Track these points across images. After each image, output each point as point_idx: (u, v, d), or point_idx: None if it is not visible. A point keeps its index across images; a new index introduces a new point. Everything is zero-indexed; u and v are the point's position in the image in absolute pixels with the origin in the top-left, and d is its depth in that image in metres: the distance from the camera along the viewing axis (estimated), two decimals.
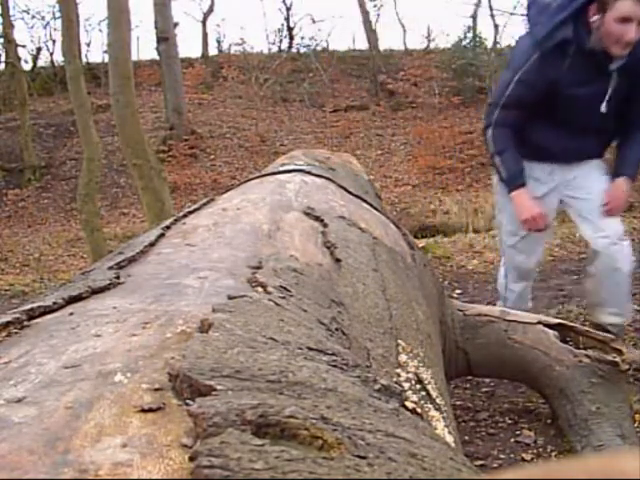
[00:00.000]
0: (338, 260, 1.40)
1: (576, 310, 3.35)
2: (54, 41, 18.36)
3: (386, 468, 0.45)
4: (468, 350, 2.30)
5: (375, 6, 21.02)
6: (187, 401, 0.55)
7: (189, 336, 0.73)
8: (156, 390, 0.58)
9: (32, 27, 31.39)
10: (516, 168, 2.54)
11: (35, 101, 15.86)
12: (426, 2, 36.61)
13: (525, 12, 2.59)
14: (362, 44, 20.09)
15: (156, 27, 13.39)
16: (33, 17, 19.57)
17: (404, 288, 1.57)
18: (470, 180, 12.63)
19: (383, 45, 19.11)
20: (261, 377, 0.59)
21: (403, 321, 1.33)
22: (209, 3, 20.12)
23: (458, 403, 2.43)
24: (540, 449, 2.10)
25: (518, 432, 2.21)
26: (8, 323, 0.81)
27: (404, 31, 28.31)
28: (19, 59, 14.57)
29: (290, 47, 19.85)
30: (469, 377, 2.56)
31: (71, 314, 0.86)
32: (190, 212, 1.76)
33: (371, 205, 2.23)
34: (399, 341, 1.22)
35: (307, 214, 1.70)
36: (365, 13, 17.76)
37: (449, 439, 0.99)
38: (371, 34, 17.68)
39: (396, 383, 0.99)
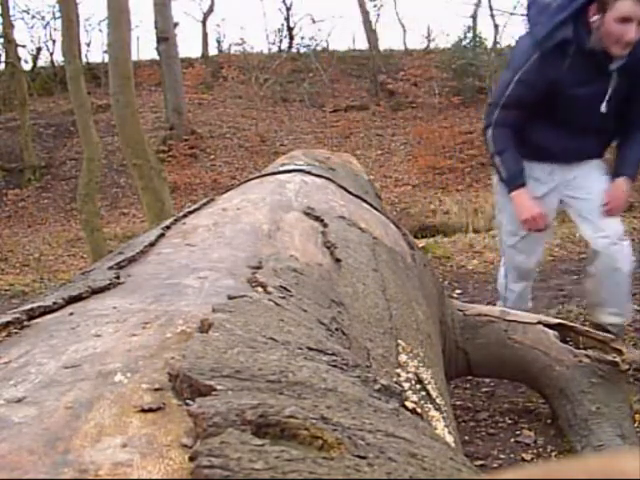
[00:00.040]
0: (338, 260, 1.40)
1: (576, 310, 3.35)
2: (54, 41, 18.38)
3: (386, 468, 0.45)
4: (468, 350, 2.30)
5: (375, 6, 21.04)
6: (187, 401, 0.55)
7: (189, 336, 0.73)
8: (156, 390, 0.58)
9: (32, 27, 31.44)
10: (516, 168, 2.54)
11: (35, 101, 15.86)
12: (426, 2, 36.63)
13: (525, 12, 2.59)
14: (362, 44, 20.11)
15: (156, 27, 13.39)
16: (33, 17, 19.60)
17: (404, 288, 1.57)
18: (470, 180, 12.63)
19: (383, 45, 19.14)
20: (261, 377, 0.59)
21: (403, 321, 1.33)
22: (209, 3, 20.13)
23: (458, 403, 2.43)
24: (540, 449, 2.10)
25: (518, 432, 2.21)
26: (8, 323, 0.81)
27: (404, 31, 28.34)
28: (19, 59, 14.57)
29: (290, 47, 19.86)
30: (469, 377, 2.56)
31: (71, 314, 0.86)
32: (190, 212, 1.76)
33: (371, 205, 2.23)
34: (399, 341, 1.22)
35: (307, 214, 1.70)
36: (365, 13, 17.76)
37: (449, 439, 0.99)
38: (371, 34, 17.68)
39: (396, 383, 0.99)
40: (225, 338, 0.70)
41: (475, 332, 2.31)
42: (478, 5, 18.33)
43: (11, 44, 14.00)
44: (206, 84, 17.18)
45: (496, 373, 2.40)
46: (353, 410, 0.56)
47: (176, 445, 0.49)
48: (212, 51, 19.80)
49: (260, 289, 1.02)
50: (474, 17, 18.37)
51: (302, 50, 19.29)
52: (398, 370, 1.11)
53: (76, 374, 0.62)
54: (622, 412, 2.01)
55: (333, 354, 0.75)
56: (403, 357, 1.17)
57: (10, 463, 0.45)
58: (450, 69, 15.97)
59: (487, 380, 2.59)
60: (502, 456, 2.07)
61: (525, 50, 2.42)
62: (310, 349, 0.74)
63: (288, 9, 20.21)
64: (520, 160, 2.54)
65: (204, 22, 19.61)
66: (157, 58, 14.79)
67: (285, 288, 1.04)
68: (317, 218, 1.68)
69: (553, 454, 2.06)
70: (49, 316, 0.87)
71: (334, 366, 0.70)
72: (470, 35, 16.93)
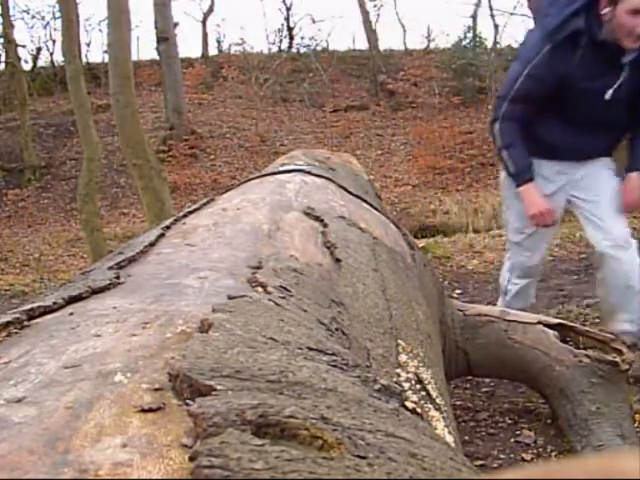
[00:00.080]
0: (338, 260, 1.40)
1: (576, 310, 3.35)
2: (54, 41, 18.39)
3: (386, 468, 0.45)
4: (468, 350, 2.30)
5: (375, 6, 21.05)
6: (187, 401, 0.55)
7: (189, 336, 0.73)
8: (156, 390, 0.58)
9: (32, 27, 31.46)
10: (524, 162, 2.50)
11: (35, 101, 15.86)
12: (426, 2, 36.67)
13: (528, 10, 2.57)
14: (362, 44, 20.13)
15: (156, 27, 13.40)
16: (33, 17, 19.62)
17: (404, 288, 1.57)
18: (470, 180, 12.64)
19: (383, 45, 19.16)
20: (261, 377, 0.59)
21: (403, 321, 1.33)
22: (209, 3, 20.14)
23: (458, 403, 2.43)
24: (540, 449, 2.10)
25: (518, 432, 2.21)
26: (8, 323, 0.81)
27: (404, 31, 28.38)
28: (19, 59, 14.58)
29: (290, 47, 19.86)
30: (469, 377, 2.56)
31: (71, 314, 0.86)
32: (190, 212, 1.76)
33: (371, 205, 2.23)
34: (399, 341, 1.22)
35: (307, 214, 1.70)
36: (365, 13, 17.77)
37: (449, 439, 0.99)
38: (371, 34, 17.68)
39: (396, 383, 0.99)
40: (225, 338, 0.70)
41: (475, 332, 2.31)
42: (478, 5, 18.36)
43: (11, 44, 14.00)
44: (206, 84, 17.19)
45: (496, 373, 2.40)
46: (353, 410, 0.56)
47: (176, 445, 0.49)
48: (212, 51, 19.84)
49: (260, 289, 1.02)
50: (474, 17, 18.39)
51: (302, 50, 19.30)
52: (398, 370, 1.11)
53: (76, 374, 0.62)
54: (622, 412, 2.01)
55: (333, 354, 0.75)
56: (403, 357, 1.17)
57: (10, 463, 0.45)
58: (450, 69, 15.98)
59: (487, 380, 2.59)
60: (502, 456, 2.07)
61: (535, 43, 2.37)
62: (310, 349, 0.74)
63: (288, 9, 20.24)
64: (528, 154, 2.50)
65: (204, 22, 19.63)
66: (157, 58, 14.80)
67: (285, 288, 1.04)
68: (317, 218, 1.68)
69: (553, 454, 2.06)
70: (49, 316, 0.87)
71: (334, 366, 0.70)
72: (470, 35, 16.94)
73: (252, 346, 0.69)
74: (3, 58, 15.83)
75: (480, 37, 17.12)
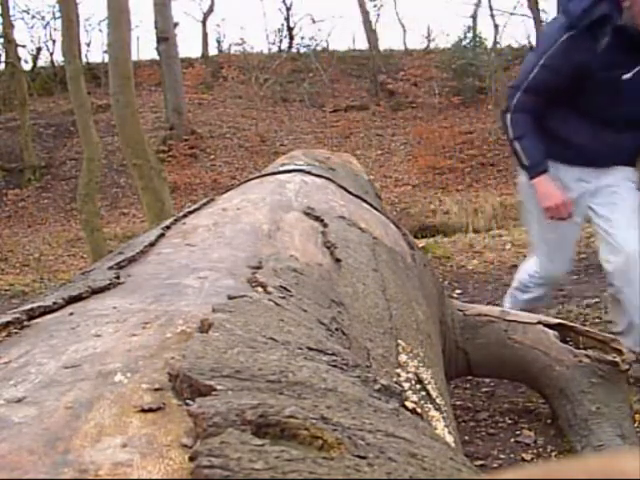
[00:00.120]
0: (338, 260, 1.40)
1: (576, 310, 3.35)
2: (54, 41, 18.40)
3: (386, 468, 0.45)
4: (468, 350, 2.30)
5: (375, 6, 21.08)
6: (187, 401, 0.55)
7: (189, 336, 0.73)
8: (156, 390, 0.58)
9: (32, 27, 31.45)
10: (538, 154, 2.39)
11: (35, 101, 15.87)
12: (426, 2, 36.69)
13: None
14: (362, 44, 20.14)
15: (156, 27, 13.40)
16: (33, 17, 19.62)
17: (404, 288, 1.57)
18: (470, 180, 12.64)
19: (383, 45, 19.18)
20: (261, 377, 0.59)
21: (403, 321, 1.33)
22: (209, 3, 20.17)
23: (458, 403, 2.43)
24: (540, 449, 2.10)
25: (518, 432, 2.21)
26: (8, 323, 0.81)
27: (404, 31, 28.44)
28: (19, 59, 14.58)
29: (290, 47, 19.87)
30: (469, 377, 2.56)
31: (71, 314, 0.86)
32: (190, 212, 1.76)
33: (371, 205, 2.23)
34: (399, 341, 1.22)
35: (307, 214, 1.70)
36: (365, 13, 17.78)
37: (449, 439, 0.99)
38: (371, 34, 17.69)
39: (396, 383, 0.99)
40: (225, 338, 0.70)
41: (475, 332, 2.31)
42: (478, 5, 18.39)
43: (11, 44, 14.01)
44: (206, 84, 17.19)
45: (496, 373, 2.40)
46: (353, 410, 0.56)
47: (176, 445, 0.49)
48: (212, 51, 19.85)
49: (260, 289, 1.02)
50: (474, 17, 18.41)
51: (302, 50, 19.31)
52: (398, 370, 1.11)
53: (76, 374, 0.62)
54: (622, 412, 2.01)
55: (333, 354, 0.75)
56: (403, 357, 1.17)
57: (10, 463, 0.45)
58: (450, 69, 15.99)
59: (487, 380, 2.59)
60: (502, 456, 2.07)
61: (553, 33, 2.28)
62: (310, 349, 0.74)
63: (288, 9, 20.25)
64: (541, 145, 2.40)
65: (204, 22, 19.64)
66: (157, 58, 14.81)
67: (285, 288, 1.04)
68: (317, 218, 1.68)
69: (553, 454, 2.06)
70: (49, 316, 0.87)
71: (334, 366, 0.70)
72: (470, 35, 16.95)
73: (252, 346, 0.69)
74: (3, 58, 15.86)
75: (480, 37, 17.14)
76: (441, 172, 12.89)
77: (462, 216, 10.34)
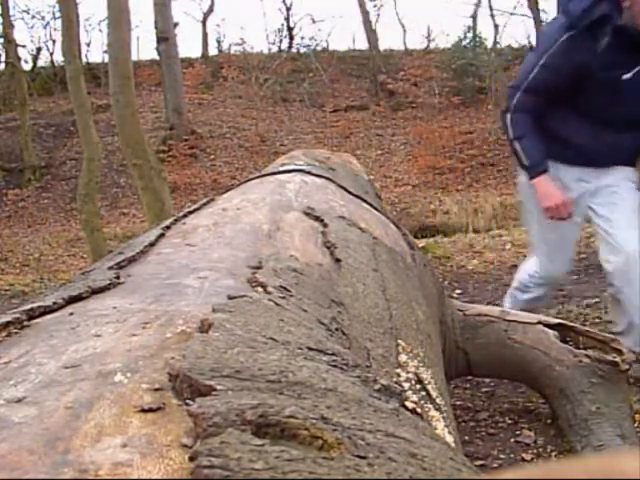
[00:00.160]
0: (338, 260, 1.40)
1: (576, 310, 3.35)
2: (54, 41, 18.40)
3: (386, 468, 0.45)
4: (468, 350, 2.30)
5: (375, 6, 21.09)
6: (187, 401, 0.55)
7: (189, 336, 0.73)
8: (156, 390, 0.58)
9: (32, 27, 31.46)
10: (538, 154, 2.39)
11: (35, 101, 15.87)
12: (426, 2, 36.70)
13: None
14: (362, 44, 20.15)
15: (156, 27, 13.40)
16: (33, 17, 19.63)
17: (404, 288, 1.57)
18: (470, 180, 12.64)
19: (383, 45, 19.18)
20: (261, 377, 0.59)
21: (403, 321, 1.33)
22: (209, 3, 20.17)
23: (458, 403, 2.43)
24: (540, 449, 2.10)
25: (518, 432, 2.21)
26: (8, 323, 0.81)
27: (404, 31, 28.45)
28: (19, 59, 14.58)
29: (290, 47, 19.87)
30: (469, 377, 2.56)
31: (71, 314, 0.86)
32: (190, 212, 1.76)
33: (371, 205, 2.23)
34: (399, 341, 1.22)
35: (307, 214, 1.70)
36: (365, 13, 17.78)
37: (449, 439, 0.99)
38: (371, 34, 17.69)
39: (396, 383, 0.99)
40: (225, 338, 0.70)
41: (475, 332, 2.31)
42: (478, 5, 18.40)
43: (11, 44, 14.01)
44: (206, 84, 17.19)
45: (496, 373, 2.40)
46: (353, 410, 0.56)
47: (176, 445, 0.49)
48: (212, 51, 19.85)
49: (260, 289, 1.02)
50: (474, 17, 18.42)
51: (302, 50, 19.32)
52: (398, 370, 1.11)
53: (76, 374, 0.62)
54: (622, 412, 2.01)
55: (333, 354, 0.75)
56: (403, 357, 1.17)
57: (10, 463, 0.45)
58: (450, 69, 15.99)
59: (487, 380, 2.59)
60: (502, 456, 2.07)
61: (553, 33, 2.28)
62: (310, 349, 0.74)
63: (288, 9, 20.25)
64: (541, 145, 2.39)
65: (204, 22, 19.64)
66: (157, 58, 14.81)
67: (285, 288, 1.04)
68: (317, 218, 1.68)
69: (553, 454, 2.06)
70: (49, 316, 0.87)
71: (334, 366, 0.70)
72: (470, 35, 16.96)
73: (252, 346, 0.69)
74: (3, 58, 15.86)
75: (480, 37, 17.15)
76: (441, 172, 12.89)
77: (462, 216, 10.34)
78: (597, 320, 3.14)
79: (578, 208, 2.47)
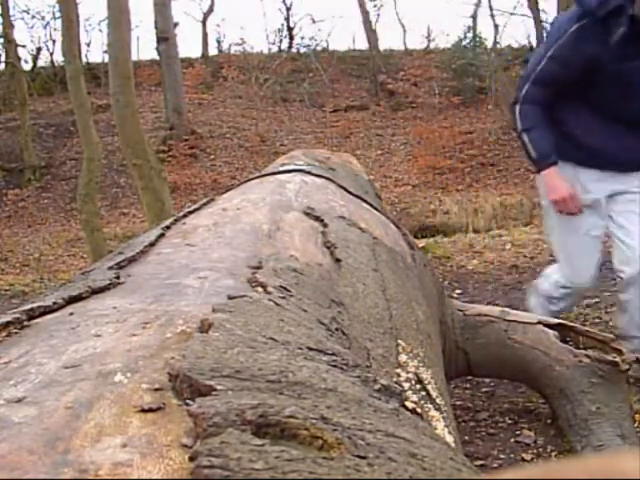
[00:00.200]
0: (338, 260, 1.40)
1: (576, 310, 3.35)
2: (54, 41, 18.39)
3: (386, 468, 0.45)
4: (468, 350, 2.30)
5: (375, 6, 21.08)
6: (187, 401, 0.55)
7: (189, 336, 0.73)
8: (156, 390, 0.58)
9: (32, 27, 31.43)
10: (546, 146, 2.35)
11: (35, 101, 15.86)
12: (426, 2, 36.70)
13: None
14: (362, 44, 20.14)
15: (156, 27, 13.40)
16: (33, 17, 19.60)
17: (404, 288, 1.57)
18: (470, 180, 12.64)
19: (383, 45, 19.17)
20: (261, 377, 0.59)
21: (403, 321, 1.33)
22: (209, 3, 20.16)
23: (458, 403, 2.43)
24: (540, 449, 2.10)
25: (518, 432, 2.21)
26: (8, 323, 0.81)
27: (404, 31, 28.44)
28: (19, 59, 14.58)
29: (290, 47, 19.87)
30: (469, 377, 2.56)
31: (71, 314, 0.86)
32: (190, 212, 1.76)
33: (371, 205, 2.23)
34: (399, 341, 1.22)
35: (307, 214, 1.70)
36: (365, 13, 17.77)
37: (449, 439, 0.99)
38: (371, 34, 17.69)
39: (396, 383, 0.99)
40: (225, 338, 0.70)
41: (475, 332, 2.31)
42: (478, 5, 18.39)
43: (11, 44, 14.00)
44: (206, 84, 17.19)
45: (496, 373, 2.40)
46: (353, 410, 0.56)
47: (176, 445, 0.49)
48: (212, 51, 19.84)
49: (260, 289, 1.02)
50: (474, 17, 18.41)
51: (302, 50, 19.31)
52: (398, 370, 1.11)
53: (76, 374, 0.62)
54: (622, 412, 2.01)
55: (333, 354, 0.75)
56: (403, 357, 1.17)
57: (10, 463, 0.45)
58: (450, 69, 15.99)
59: (487, 380, 2.59)
60: (502, 456, 2.07)
61: (563, 24, 2.24)
62: (310, 349, 0.74)
63: (288, 9, 20.24)
64: (550, 137, 2.35)
65: (204, 22, 19.63)
66: (157, 58, 14.80)
67: (285, 288, 1.04)
68: (317, 218, 1.68)
69: (553, 454, 2.06)
70: (49, 316, 0.87)
71: (334, 366, 0.70)
72: (470, 35, 16.95)
73: (252, 346, 0.69)
74: (3, 58, 15.85)
75: (480, 37, 17.14)
76: (441, 172, 12.89)
77: (462, 216, 10.34)
78: (597, 320, 3.14)
79: (599, 209, 2.42)
